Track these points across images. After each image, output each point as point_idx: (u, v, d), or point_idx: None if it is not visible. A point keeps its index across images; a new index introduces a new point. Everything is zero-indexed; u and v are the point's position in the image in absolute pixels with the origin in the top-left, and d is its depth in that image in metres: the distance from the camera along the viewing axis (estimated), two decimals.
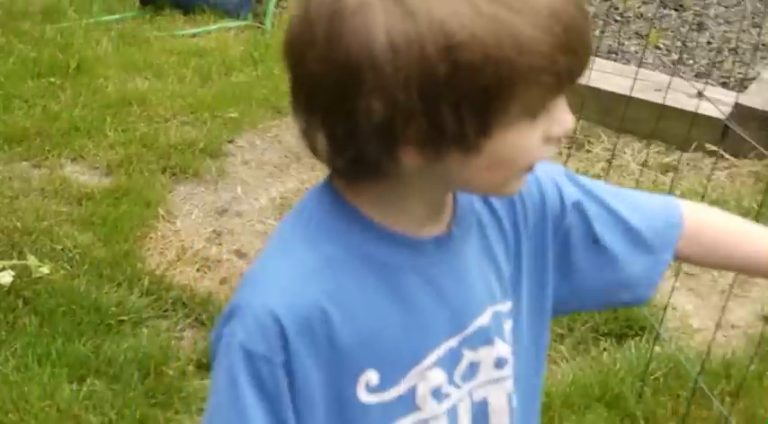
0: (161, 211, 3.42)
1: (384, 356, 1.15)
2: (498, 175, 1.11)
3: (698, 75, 4.08)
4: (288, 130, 3.90)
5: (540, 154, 1.10)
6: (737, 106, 3.70)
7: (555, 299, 1.31)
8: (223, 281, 3.14)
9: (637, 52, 4.27)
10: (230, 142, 3.83)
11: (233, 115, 3.93)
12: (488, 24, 0.99)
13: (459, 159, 1.06)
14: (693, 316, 3.05)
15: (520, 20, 1.00)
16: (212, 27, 4.61)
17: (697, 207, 1.40)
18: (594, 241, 1.30)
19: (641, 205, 1.35)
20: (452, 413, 1.20)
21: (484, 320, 1.21)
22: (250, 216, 3.45)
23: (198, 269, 3.18)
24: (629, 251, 1.31)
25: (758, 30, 4.38)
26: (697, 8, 4.54)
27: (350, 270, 1.13)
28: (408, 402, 1.17)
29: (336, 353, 1.12)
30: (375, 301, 1.14)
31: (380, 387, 1.15)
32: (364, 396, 1.15)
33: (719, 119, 3.49)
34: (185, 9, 4.74)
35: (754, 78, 4.00)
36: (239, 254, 3.26)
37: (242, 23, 4.65)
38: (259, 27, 4.62)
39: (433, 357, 1.17)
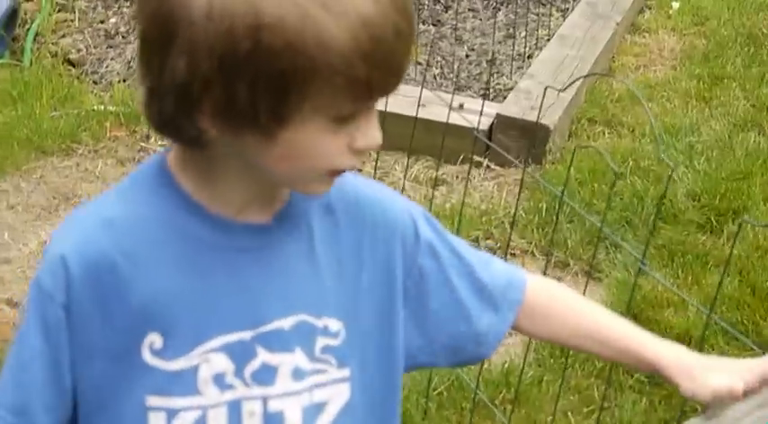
0: None
1: (170, 323, 1.18)
2: (295, 169, 1.13)
3: (459, 88, 4.20)
4: (54, 170, 3.79)
5: (343, 161, 1.14)
6: (498, 116, 3.84)
7: (408, 350, 1.32)
8: None
9: None
10: None
11: None
12: (298, 14, 1.03)
13: (257, 143, 1.10)
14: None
15: (329, 18, 1.04)
16: None
17: (540, 279, 1.45)
18: (451, 291, 1.33)
19: (488, 261, 1.39)
20: (235, 407, 1.21)
21: (285, 323, 1.21)
22: (19, 262, 3.33)
23: None
24: (479, 306, 1.36)
25: (513, 40, 4.55)
26: (454, 22, 4.68)
27: (153, 233, 1.18)
28: (190, 382, 1.19)
29: (124, 307, 1.17)
30: (172, 269, 1.18)
31: (163, 353, 1.18)
32: (148, 357, 1.18)
33: (482, 130, 3.60)
34: None
35: (512, 88, 4.16)
36: (10, 303, 3.14)
37: None
38: (17, 64, 4.47)
39: (218, 342, 1.19)
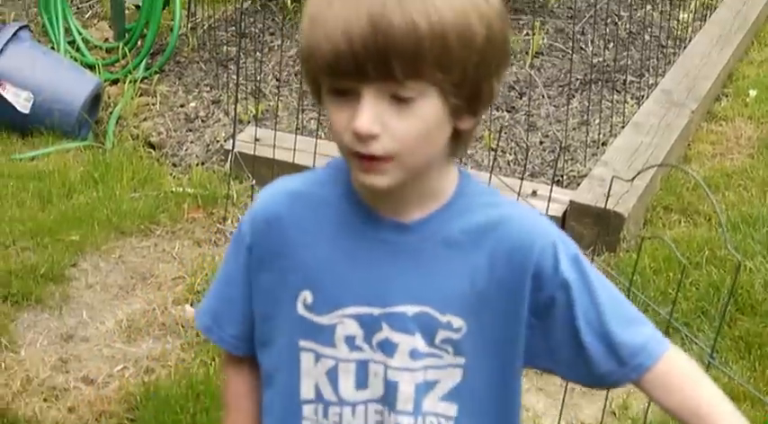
0: (3, 341, 3.33)
1: (319, 286, 1.45)
2: (336, 141, 1.35)
3: (532, 175, 4.21)
4: (132, 250, 3.86)
5: (346, 138, 1.32)
6: (572, 203, 3.84)
7: (532, 350, 1.47)
8: (71, 410, 3.06)
9: (472, 155, 4.39)
10: (73, 266, 3.76)
11: (74, 238, 3.87)
12: (310, 26, 1.32)
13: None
14: (543, 415, 3.10)
15: (318, 31, 1.30)
16: (51, 149, 4.56)
17: (683, 359, 1.48)
18: (573, 333, 1.44)
19: (634, 321, 1.47)
20: (363, 366, 1.45)
21: (408, 310, 1.42)
22: (97, 340, 3.38)
23: (44, 400, 3.11)
24: (603, 355, 1.45)
25: (587, 127, 4.55)
26: (527, 108, 4.70)
27: (321, 212, 1.46)
28: (329, 336, 1.45)
29: (288, 262, 1.46)
30: (328, 244, 1.45)
31: (312, 308, 1.45)
32: (301, 309, 1.46)
33: (556, 217, 3.60)
34: (22, 131, 4.68)
35: (585, 175, 4.16)
36: (87, 381, 3.19)
37: (81, 144, 4.61)
38: (100, 147, 4.58)
39: (351, 311, 1.43)
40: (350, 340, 1.44)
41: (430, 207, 1.43)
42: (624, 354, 1.44)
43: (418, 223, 1.43)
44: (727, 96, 5.26)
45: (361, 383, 1.46)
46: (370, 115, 1.29)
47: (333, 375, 1.47)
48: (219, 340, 1.58)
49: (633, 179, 2.49)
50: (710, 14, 5.96)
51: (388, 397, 1.45)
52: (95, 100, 4.77)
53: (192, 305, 3.53)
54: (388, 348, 1.43)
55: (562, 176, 4.21)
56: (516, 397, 1.52)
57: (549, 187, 3.43)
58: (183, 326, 3.43)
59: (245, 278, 1.52)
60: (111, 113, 4.82)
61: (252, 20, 5.46)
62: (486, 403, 1.49)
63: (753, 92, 5.21)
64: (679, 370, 1.46)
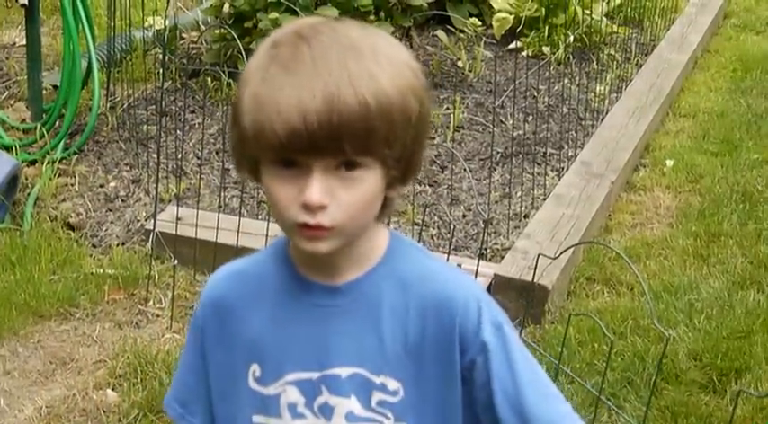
0: None
1: (265, 357, 1.49)
2: (275, 214, 1.41)
3: (456, 249, 4.22)
4: (51, 334, 3.77)
5: (292, 211, 1.37)
6: (496, 276, 3.85)
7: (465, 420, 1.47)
8: None
9: (396, 229, 4.38)
10: None
11: None
12: (257, 106, 1.36)
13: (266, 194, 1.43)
14: None
15: (269, 111, 1.33)
16: None
17: None
18: (488, 397, 1.44)
19: (551, 397, 1.47)
20: None
21: (342, 372, 1.45)
22: None
23: None
24: None
25: (509, 200, 4.59)
26: (449, 182, 4.73)
27: (262, 287, 1.51)
28: (275, 406, 1.49)
29: (237, 340, 1.52)
30: (269, 315, 1.49)
31: (261, 381, 1.49)
32: (252, 382, 1.50)
33: None
34: None
35: (509, 248, 4.17)
36: None
37: None
38: (17, 229, 4.50)
39: (293, 377, 1.47)
40: (292, 408, 1.48)
41: (361, 269, 1.47)
42: None
43: (348, 285, 1.46)
44: (645, 166, 5.35)
45: None
46: (321, 187, 1.35)
47: None
48: None
49: (558, 256, 2.50)
50: (626, 86, 6.08)
51: None
52: (12, 181, 4.69)
53: (113, 390, 3.45)
54: (327, 411, 1.46)
55: (486, 249, 4.22)
56: None
57: (475, 261, 3.43)
58: (104, 411, 3.35)
59: (201, 362, 1.57)
60: (28, 194, 4.74)
61: (172, 98, 5.44)
62: None
63: (669, 162, 5.30)
64: None
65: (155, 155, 4.71)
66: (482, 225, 4.48)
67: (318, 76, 1.32)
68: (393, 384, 1.45)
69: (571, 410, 1.46)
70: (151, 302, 3.98)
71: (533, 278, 3.08)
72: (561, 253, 2.60)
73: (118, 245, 4.37)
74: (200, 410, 1.59)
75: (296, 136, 1.32)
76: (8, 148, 5.07)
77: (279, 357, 1.48)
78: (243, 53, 4.12)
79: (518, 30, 6.31)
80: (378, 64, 1.35)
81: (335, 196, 1.36)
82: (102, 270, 4.15)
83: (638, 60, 6.54)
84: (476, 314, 1.43)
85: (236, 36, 4.36)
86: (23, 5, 5.21)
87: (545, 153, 5.10)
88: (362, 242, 1.46)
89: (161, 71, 5.33)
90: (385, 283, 1.46)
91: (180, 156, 4.77)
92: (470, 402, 1.46)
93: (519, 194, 4.69)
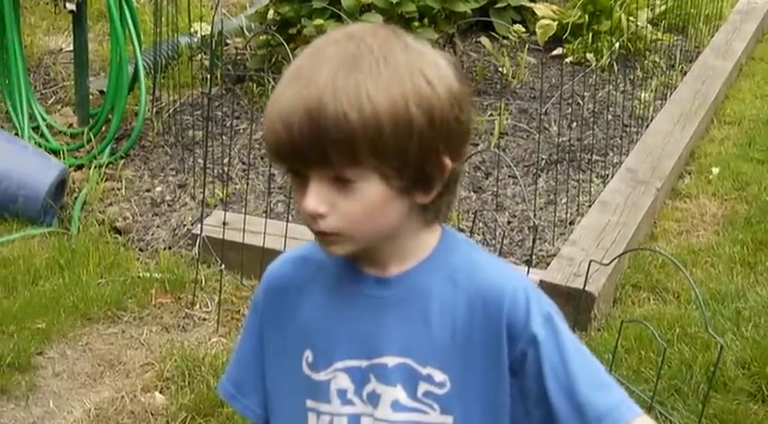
0: None
1: (317, 343, 1.51)
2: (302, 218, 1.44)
3: (502, 255, 4.21)
4: (99, 337, 3.80)
5: (305, 218, 1.42)
6: (542, 283, 3.84)
7: (513, 414, 1.46)
8: None
9: None
10: (39, 354, 3.70)
11: (41, 326, 3.81)
12: (265, 114, 1.40)
13: None
14: None
15: (266, 120, 1.39)
16: (15, 235, 4.51)
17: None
18: (541, 388, 1.43)
19: (604, 386, 1.45)
20: (354, 421, 1.48)
21: (389, 361, 1.46)
22: None
23: None
24: (569, 415, 1.43)
25: (554, 207, 4.58)
26: (494, 189, 4.72)
27: (320, 275, 1.53)
28: (325, 391, 1.50)
29: (293, 324, 1.53)
30: (324, 303, 1.51)
31: (313, 366, 1.51)
32: (305, 368, 1.52)
33: None
34: None
35: (554, 254, 4.16)
36: None
37: (46, 230, 4.57)
38: (65, 233, 4.54)
39: (342, 364, 1.48)
40: (342, 394, 1.49)
41: (410, 262, 1.48)
42: (590, 417, 1.42)
43: (398, 277, 1.47)
44: (690, 174, 5.32)
45: None
46: (317, 196, 1.38)
47: None
48: (243, 408, 1.63)
49: (610, 262, 2.49)
50: (671, 94, 6.05)
51: None
52: (60, 185, 4.74)
53: (161, 392, 3.48)
54: (374, 399, 1.47)
55: (531, 256, 4.21)
56: None
57: (521, 267, 3.43)
58: (152, 414, 3.37)
59: (259, 344, 1.59)
60: (75, 199, 4.79)
61: (217, 104, 5.47)
62: None
63: (715, 170, 5.27)
64: None
65: (200, 160, 4.74)
66: (527, 232, 4.47)
67: (306, 89, 1.34)
68: (439, 376, 1.45)
69: (626, 398, 1.45)
70: (198, 306, 4.00)
71: (584, 285, 3.07)
72: (614, 260, 2.59)
73: (164, 249, 4.41)
74: (254, 392, 1.60)
75: (283, 146, 1.36)
76: (56, 153, 5.13)
77: (330, 343, 1.50)
78: (289, 58, 4.13)
79: (562, 37, 6.30)
80: (373, 74, 1.35)
81: (336, 205, 1.39)
82: (149, 274, 4.18)
83: (682, 67, 6.51)
84: (524, 306, 1.43)
85: (283, 41, 4.38)
86: (71, 11, 5.27)
87: (590, 159, 5.09)
88: (405, 241, 1.47)
89: (207, 77, 5.37)
90: (435, 276, 1.47)
91: (226, 161, 4.80)
92: (523, 396, 1.45)
93: (564, 201, 4.67)
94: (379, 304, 1.48)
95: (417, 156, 1.38)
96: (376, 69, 1.35)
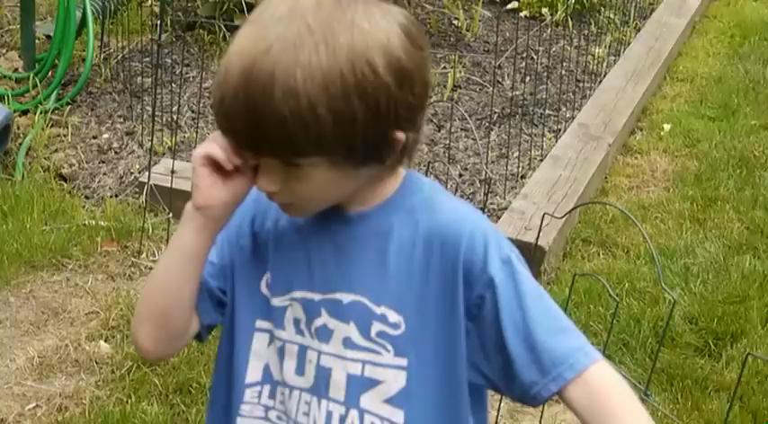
0: None
1: (277, 269, 1.50)
2: None
3: None
4: (43, 285, 3.74)
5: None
6: None
7: (471, 359, 1.44)
8: None
9: None
10: None
11: None
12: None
13: None
14: None
15: (213, 107, 1.37)
16: None
17: (612, 376, 1.42)
18: (497, 332, 1.40)
19: (562, 330, 1.41)
20: (302, 351, 1.48)
21: (344, 298, 1.45)
22: (7, 378, 3.26)
23: None
24: (526, 360, 1.40)
25: (505, 160, 4.56)
26: (446, 142, 4.69)
27: None
28: (280, 317, 1.49)
29: (257, 240, 1.52)
30: (290, 230, 1.49)
31: (271, 289, 1.50)
32: (264, 288, 1.51)
33: None
34: None
35: (506, 208, 4.15)
36: None
37: None
38: (9, 179, 4.45)
39: (299, 294, 1.47)
40: (296, 323, 1.48)
41: (373, 202, 1.46)
42: (546, 363, 1.39)
43: (360, 215, 1.46)
44: (641, 130, 5.32)
45: (300, 368, 1.48)
46: (268, 178, 1.39)
47: (280, 356, 1.50)
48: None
49: (564, 216, 2.47)
50: (624, 50, 6.04)
51: (320, 384, 1.47)
52: (4, 131, 4.63)
53: (106, 341, 3.43)
54: (323, 334, 1.46)
55: (483, 209, 4.19)
56: (468, 412, 1.48)
57: None
58: (97, 362, 3.32)
59: (228, 249, 1.55)
60: (20, 144, 4.69)
61: (167, 51, 5.38)
62: (435, 414, 1.46)
63: (667, 126, 5.27)
64: (605, 388, 1.40)
65: (149, 108, 4.66)
66: (478, 185, 4.45)
67: (248, 82, 1.31)
68: (394, 317, 1.43)
69: (584, 343, 1.41)
70: (144, 254, 3.94)
71: (537, 238, 3.05)
72: (568, 213, 2.57)
73: (111, 197, 4.34)
74: (220, 255, 1.55)
75: (228, 135, 1.37)
76: (0, 98, 5.02)
77: (289, 271, 1.49)
78: (241, 6, 4.06)
79: None
80: (314, 67, 1.29)
81: (287, 184, 1.39)
82: (94, 222, 4.11)
83: (636, 23, 6.50)
84: (482, 248, 1.40)
85: None
86: None
87: (542, 114, 5.07)
88: (369, 187, 1.45)
89: (157, 23, 5.27)
90: (396, 216, 1.45)
91: (175, 109, 4.72)
92: (481, 342, 1.43)
93: (516, 155, 4.65)
94: (340, 239, 1.46)
95: (364, 141, 1.35)
96: (315, 59, 1.29)
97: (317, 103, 1.30)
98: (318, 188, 1.40)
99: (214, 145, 1.40)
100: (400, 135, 1.37)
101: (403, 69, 1.34)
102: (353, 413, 1.45)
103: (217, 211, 1.45)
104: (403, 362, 1.44)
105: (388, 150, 1.38)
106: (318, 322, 1.47)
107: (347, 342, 1.45)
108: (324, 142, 1.33)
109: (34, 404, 3.15)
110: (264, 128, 1.32)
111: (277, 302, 1.50)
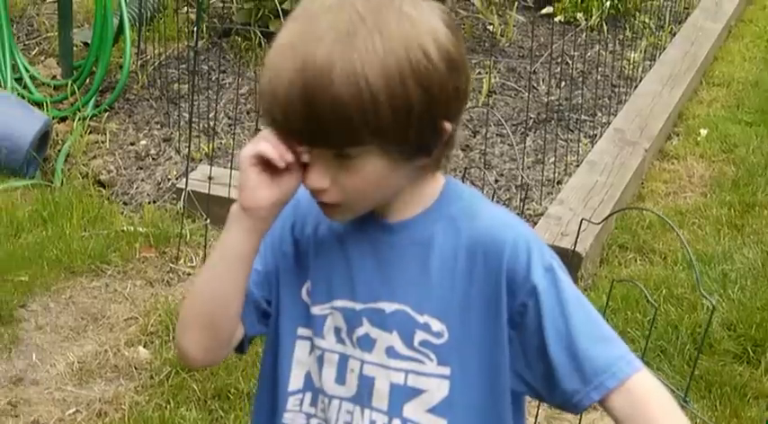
0: None
1: (318, 278, 1.49)
2: None
3: None
4: (82, 291, 3.77)
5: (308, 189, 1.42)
6: None
7: (514, 368, 1.44)
8: None
9: None
10: (22, 307, 3.66)
11: (23, 278, 3.77)
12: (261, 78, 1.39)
13: None
14: None
15: (262, 98, 1.37)
16: None
17: (654, 384, 1.42)
18: (541, 341, 1.40)
19: (605, 339, 1.42)
20: (343, 360, 1.48)
21: (386, 307, 1.44)
22: (47, 383, 3.29)
23: None
24: (568, 368, 1.40)
25: (541, 166, 4.55)
26: (482, 147, 4.69)
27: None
28: (320, 325, 1.49)
29: (298, 248, 1.52)
30: (331, 239, 1.49)
31: (311, 297, 1.50)
32: (304, 295, 1.51)
33: None
34: None
35: (542, 214, 4.15)
36: None
37: (29, 182, 4.51)
38: (48, 185, 4.49)
39: (340, 303, 1.47)
40: (337, 332, 1.48)
41: (413, 210, 1.46)
42: (588, 371, 1.39)
43: (400, 224, 1.46)
44: (678, 135, 5.30)
45: (340, 378, 1.48)
46: (318, 173, 1.38)
47: (320, 365, 1.49)
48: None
49: (602, 222, 2.47)
50: (660, 54, 6.02)
51: (363, 394, 1.46)
52: (44, 138, 4.69)
53: (144, 347, 3.45)
54: (366, 343, 1.46)
55: (519, 215, 4.19)
56: (510, 420, 1.48)
57: None
58: (136, 368, 3.35)
59: (272, 255, 1.53)
60: (59, 151, 4.74)
61: (203, 58, 5.41)
62: (478, 423, 1.46)
63: (704, 131, 5.25)
64: (647, 397, 1.40)
65: (186, 114, 4.69)
66: (514, 191, 4.45)
67: (303, 66, 1.31)
68: (437, 325, 1.43)
69: (626, 352, 1.42)
70: (182, 260, 3.97)
71: (575, 244, 3.05)
72: (605, 219, 2.56)
73: (149, 203, 4.37)
74: (264, 262, 1.53)
75: (281, 126, 1.35)
76: (39, 104, 5.07)
77: (330, 280, 1.49)
78: (280, 12, 4.09)
79: None
80: (369, 52, 1.30)
81: (337, 179, 1.38)
82: (133, 228, 4.14)
83: (671, 28, 6.47)
84: (525, 256, 1.40)
85: None
86: None
87: (578, 119, 5.06)
88: (409, 193, 1.45)
89: (193, 30, 5.30)
90: (437, 225, 1.45)
91: (212, 116, 4.75)
92: (523, 349, 1.43)
93: (552, 160, 4.65)
94: (381, 249, 1.46)
95: (417, 129, 1.35)
96: (371, 46, 1.30)
97: (376, 88, 1.30)
98: (368, 181, 1.38)
99: (264, 143, 1.38)
100: (447, 125, 1.39)
101: (452, 57, 1.36)
102: (396, 423, 1.45)
103: (265, 212, 1.43)
104: (446, 371, 1.44)
105: (436, 140, 1.39)
106: (360, 332, 1.46)
107: (390, 351, 1.45)
108: (381, 128, 1.32)
109: (74, 409, 3.18)
110: (322, 116, 1.31)
111: (317, 310, 1.50)
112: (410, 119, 1.34)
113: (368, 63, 1.30)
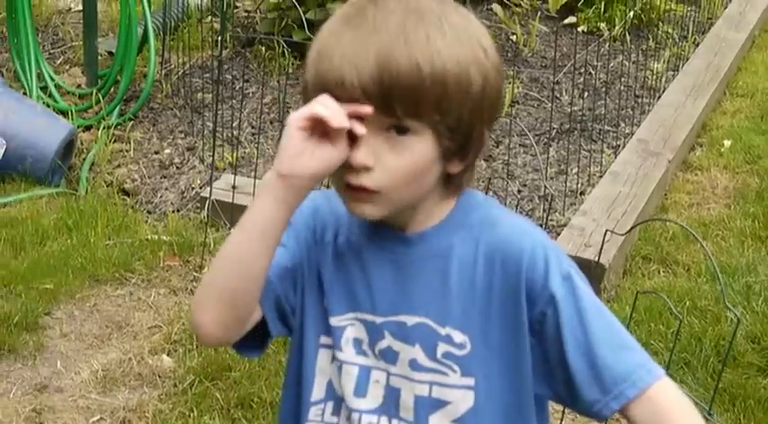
0: None
1: (335, 288, 1.49)
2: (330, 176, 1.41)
3: None
4: (107, 299, 3.79)
5: (340, 173, 1.38)
6: None
7: (537, 374, 1.44)
8: None
9: None
10: (47, 314, 3.69)
11: (48, 286, 3.79)
12: (318, 59, 1.40)
13: None
14: None
15: (326, 64, 1.37)
16: (23, 196, 4.49)
17: (674, 392, 1.42)
18: (560, 350, 1.40)
19: (624, 347, 1.42)
20: (364, 373, 1.47)
21: (408, 320, 1.44)
22: (71, 391, 3.31)
23: None
24: (588, 378, 1.41)
25: (564, 177, 4.55)
26: (505, 158, 4.69)
27: (347, 222, 1.50)
28: (338, 337, 1.48)
29: (317, 257, 1.51)
30: (349, 252, 1.49)
31: (329, 308, 1.49)
32: (325, 302, 1.50)
33: None
34: None
35: (565, 224, 4.14)
36: None
37: (54, 191, 4.54)
38: (73, 194, 4.52)
39: (360, 315, 1.47)
40: (356, 344, 1.48)
41: (430, 222, 1.46)
42: (608, 380, 1.39)
43: (418, 236, 1.46)
44: (701, 146, 5.29)
45: (360, 389, 1.48)
46: (368, 149, 1.35)
47: (339, 375, 1.50)
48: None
49: (626, 233, 2.46)
50: (683, 65, 6.01)
51: (389, 404, 1.47)
52: (68, 146, 4.72)
53: (168, 355, 3.47)
54: (389, 356, 1.46)
55: (542, 226, 4.19)
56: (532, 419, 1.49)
57: None
58: (159, 376, 3.36)
59: (297, 250, 1.52)
60: (84, 160, 4.77)
61: (226, 67, 5.44)
62: None
63: (727, 142, 5.23)
64: (668, 406, 1.40)
65: (210, 123, 4.71)
66: (537, 201, 4.45)
67: (376, 34, 1.34)
68: (459, 337, 1.43)
69: (647, 360, 1.42)
70: (206, 269, 3.98)
71: (599, 256, 3.05)
72: (630, 230, 2.56)
73: (173, 212, 4.39)
74: (284, 259, 1.51)
75: (348, 92, 1.33)
76: (64, 113, 5.10)
77: (347, 292, 1.49)
78: (304, 22, 4.10)
79: (574, 6, 6.25)
80: (440, 31, 1.36)
81: (382, 159, 1.36)
82: (157, 237, 4.16)
83: (695, 38, 6.47)
84: (543, 264, 1.41)
85: (295, 3, 4.33)
86: None
87: (601, 130, 5.05)
88: (427, 208, 1.46)
89: (217, 39, 5.33)
90: (455, 236, 1.45)
91: (236, 125, 4.77)
92: (544, 358, 1.43)
93: (575, 171, 4.64)
94: (399, 261, 1.46)
95: (469, 118, 1.38)
96: (440, 27, 1.36)
97: (447, 64, 1.34)
98: (410, 166, 1.37)
99: (319, 105, 1.34)
100: (486, 132, 1.43)
101: (498, 61, 1.43)
102: None
103: (301, 181, 1.37)
104: (470, 382, 1.45)
105: (474, 145, 1.42)
106: (383, 344, 1.47)
107: (413, 364, 1.45)
108: (443, 104, 1.35)
109: (98, 417, 3.20)
110: (396, 80, 1.33)
111: (335, 321, 1.49)
112: (466, 104, 1.37)
113: (440, 38, 1.35)
